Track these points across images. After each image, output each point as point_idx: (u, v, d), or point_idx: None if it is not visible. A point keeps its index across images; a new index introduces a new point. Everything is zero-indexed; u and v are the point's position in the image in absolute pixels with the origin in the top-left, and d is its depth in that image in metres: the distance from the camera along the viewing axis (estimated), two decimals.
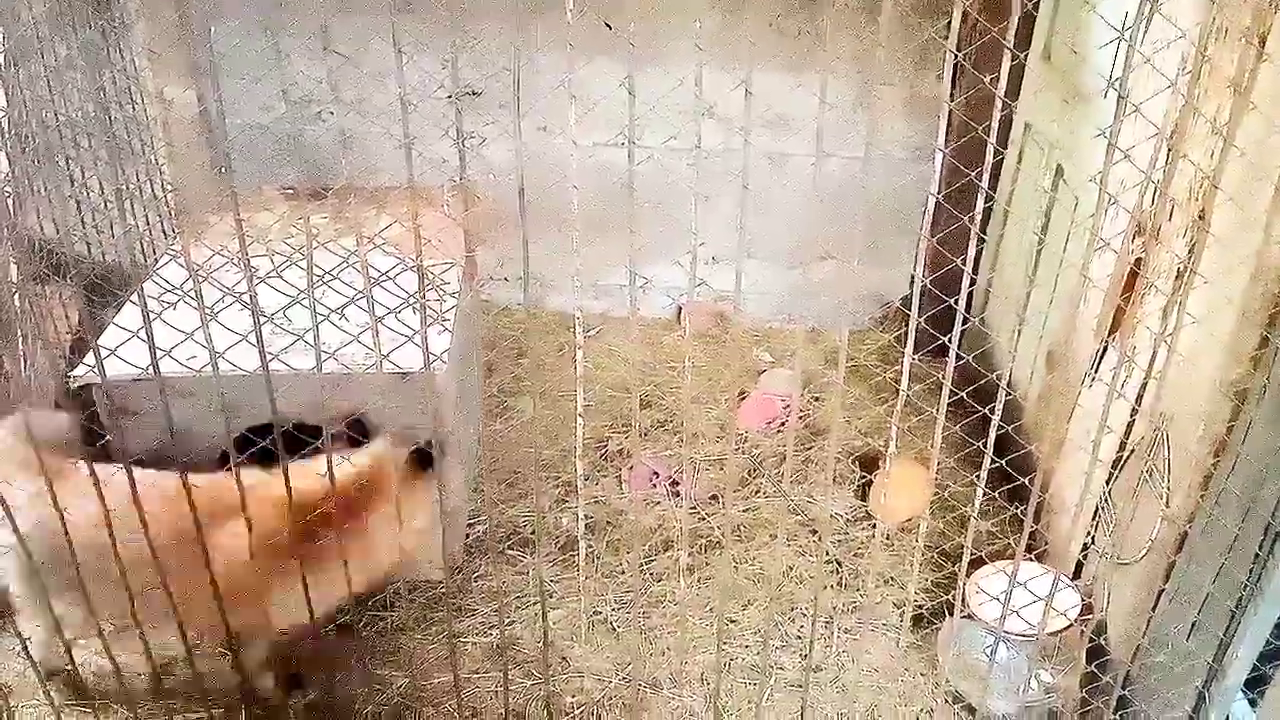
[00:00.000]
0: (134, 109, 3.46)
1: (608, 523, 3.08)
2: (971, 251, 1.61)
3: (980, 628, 2.51)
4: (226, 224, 1.68)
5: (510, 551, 2.97)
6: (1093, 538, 2.57)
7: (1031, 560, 2.59)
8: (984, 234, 1.63)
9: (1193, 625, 2.13)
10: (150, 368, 1.68)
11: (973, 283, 1.69)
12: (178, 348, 1.75)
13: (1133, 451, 2.40)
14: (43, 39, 2.89)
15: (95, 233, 3.17)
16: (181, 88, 3.54)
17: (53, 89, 2.96)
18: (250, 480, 1.87)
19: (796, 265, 4.05)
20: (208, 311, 1.64)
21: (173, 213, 3.53)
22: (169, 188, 3.55)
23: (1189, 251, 2.08)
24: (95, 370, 1.79)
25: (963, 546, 2.02)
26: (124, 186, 3.29)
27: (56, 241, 2.82)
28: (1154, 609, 2.21)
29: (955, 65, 1.45)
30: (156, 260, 2.98)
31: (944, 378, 1.79)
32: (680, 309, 4.18)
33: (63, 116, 3.01)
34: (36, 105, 2.85)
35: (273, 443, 1.86)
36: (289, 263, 1.92)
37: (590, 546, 2.96)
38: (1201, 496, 2.09)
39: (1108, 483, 2.48)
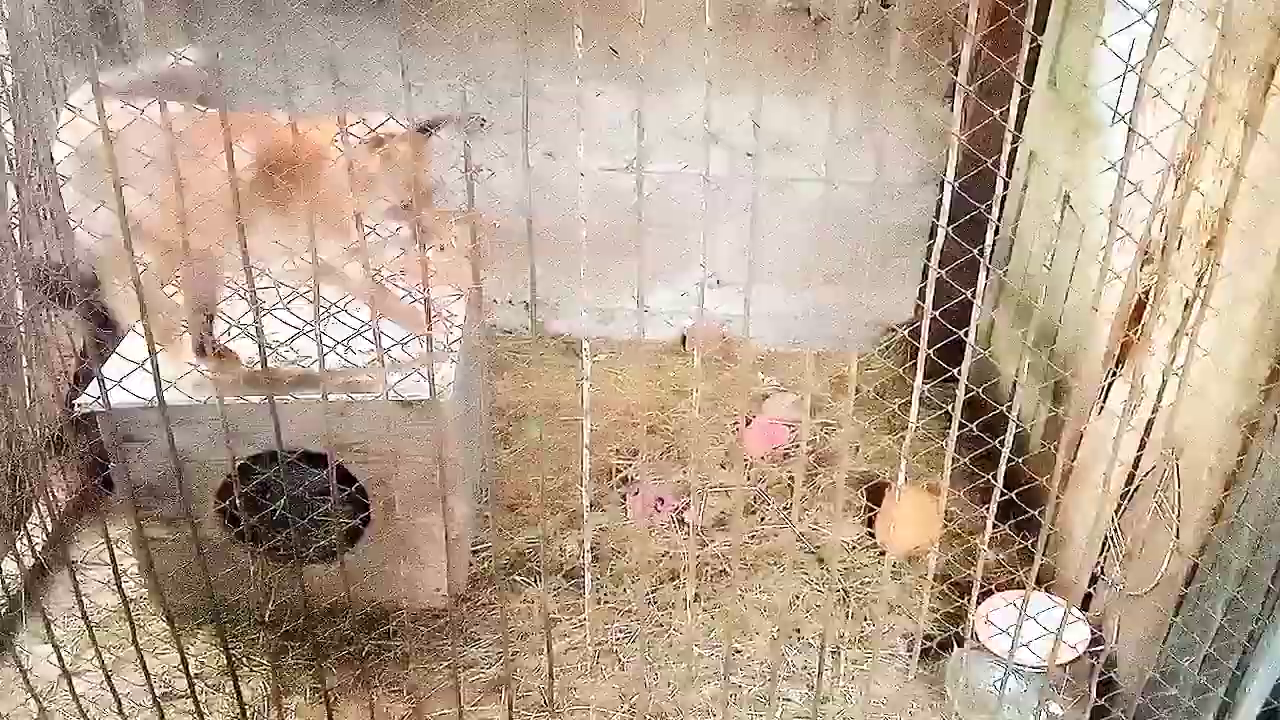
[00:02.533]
0: None
1: (614, 550, 3.06)
2: (981, 283, 1.60)
3: (989, 660, 2.49)
4: (232, 254, 1.68)
5: (515, 579, 2.95)
6: (1102, 569, 2.55)
7: (1041, 592, 2.56)
8: (989, 263, 1.62)
9: (1204, 658, 2.11)
10: (154, 396, 1.68)
11: (981, 313, 1.68)
12: (183, 377, 1.75)
13: (1140, 484, 2.39)
14: (50, 69, 2.90)
15: None
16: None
17: (60, 119, 2.96)
18: None
19: (800, 290, 4.04)
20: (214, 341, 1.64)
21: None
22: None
23: (1198, 282, 2.08)
24: (99, 399, 1.78)
25: (971, 577, 2.01)
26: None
27: (62, 270, 2.82)
28: (1165, 642, 2.19)
29: (962, 97, 1.44)
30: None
31: (953, 408, 1.78)
32: (684, 335, 4.17)
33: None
34: (43, 134, 2.86)
35: (276, 472, 1.85)
36: (295, 294, 1.92)
37: (596, 576, 2.94)
38: (1212, 528, 2.07)
39: (1117, 514, 2.46)
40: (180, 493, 1.89)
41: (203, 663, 2.63)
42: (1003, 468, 1.82)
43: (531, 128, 1.65)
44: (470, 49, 3.26)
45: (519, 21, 2.04)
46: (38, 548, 2.82)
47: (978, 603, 2.09)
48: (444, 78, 3.52)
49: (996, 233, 1.54)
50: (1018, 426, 1.77)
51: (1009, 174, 1.98)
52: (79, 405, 2.44)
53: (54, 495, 2.91)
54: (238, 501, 1.87)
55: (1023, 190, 3.41)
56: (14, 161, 2.65)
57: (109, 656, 2.05)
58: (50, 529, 2.85)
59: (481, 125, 3.72)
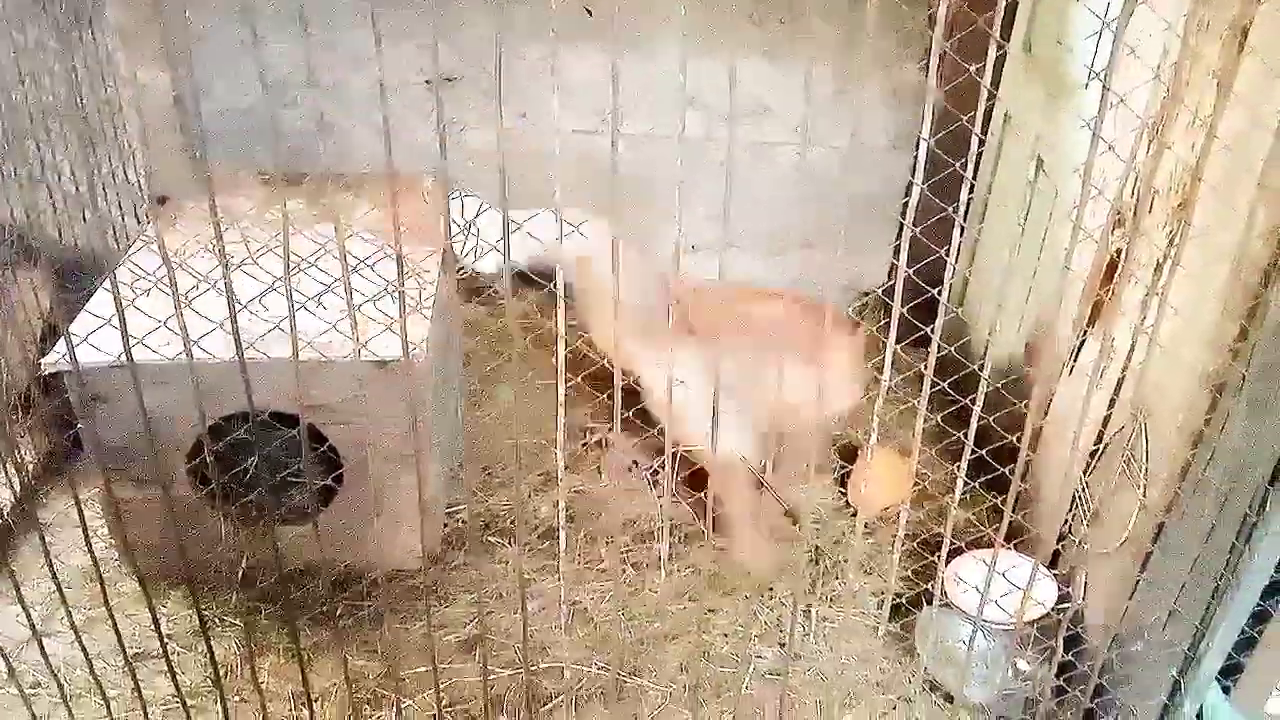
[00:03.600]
0: (106, 92, 3.41)
1: (590, 512, 3.07)
2: (955, 242, 1.61)
3: (958, 616, 2.52)
4: (201, 209, 1.65)
5: (489, 540, 2.95)
6: (1070, 527, 2.59)
7: (1010, 549, 2.59)
8: (964, 224, 1.63)
9: (1169, 614, 2.14)
10: (123, 355, 1.66)
11: (954, 273, 1.69)
12: (151, 335, 1.72)
13: (1109, 443, 2.42)
14: (12, 20, 2.84)
15: (67, 218, 3.13)
16: (155, 71, 3.49)
17: (22, 72, 2.91)
18: None
19: (776, 253, 4.04)
20: (182, 298, 1.61)
21: (146, 198, 3.49)
22: (142, 172, 3.50)
23: (1169, 243, 2.09)
24: (67, 357, 1.76)
25: (941, 536, 2.03)
26: (96, 171, 3.24)
27: (27, 227, 2.78)
28: (1131, 598, 2.22)
29: (940, 55, 1.44)
30: (129, 246, 2.94)
31: (925, 368, 1.78)
32: None
33: (33, 100, 2.96)
34: (5, 88, 2.80)
35: (247, 431, 1.84)
36: (265, 249, 1.90)
37: (570, 536, 2.95)
38: (1179, 487, 2.10)
39: (1085, 473, 2.49)
40: (151, 453, 1.87)
41: (174, 623, 2.62)
42: (973, 426, 1.83)
43: (504, 87, 1.63)
44: (442, 4, 3.22)
45: None
46: (5, 508, 2.80)
47: (947, 561, 2.12)
48: (413, 35, 3.49)
49: (972, 190, 1.54)
50: (989, 386, 1.78)
51: (984, 133, 1.98)
52: (46, 364, 2.41)
53: (21, 456, 2.88)
54: (209, 461, 1.86)
55: (996, 153, 3.42)
56: None
57: (79, 617, 2.04)
58: (18, 489, 2.83)
59: (449, 82, 3.67)
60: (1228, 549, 1.99)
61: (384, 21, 1.50)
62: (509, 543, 2.93)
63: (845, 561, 2.93)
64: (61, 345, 2.37)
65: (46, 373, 2.41)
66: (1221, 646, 2.09)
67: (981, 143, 1.54)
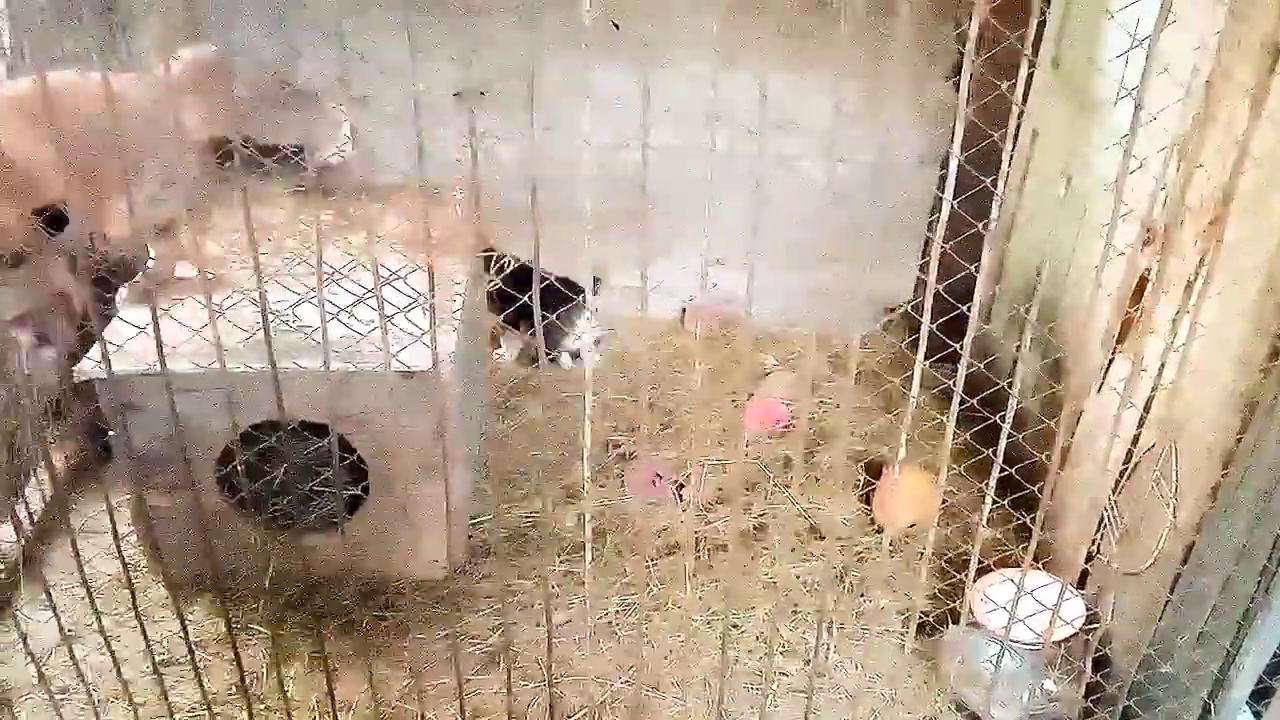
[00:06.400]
0: None
1: (614, 524, 3.07)
2: (985, 258, 1.60)
3: (985, 636, 2.50)
4: (233, 221, 1.67)
5: (513, 552, 2.96)
6: (1098, 547, 2.56)
7: (1038, 568, 2.58)
8: (992, 234, 1.62)
9: (1199, 636, 2.12)
10: (156, 363, 1.67)
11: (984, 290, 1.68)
12: (184, 344, 1.74)
13: (1139, 461, 2.40)
14: (51, 33, 2.88)
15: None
16: None
17: None
18: None
19: (801, 269, 4.03)
20: (215, 308, 1.63)
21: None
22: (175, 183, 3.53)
23: (1200, 261, 2.07)
24: (100, 365, 1.78)
25: (967, 554, 2.01)
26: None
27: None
28: (1160, 619, 2.20)
29: (969, 71, 1.45)
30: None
31: (954, 384, 1.78)
32: (684, 310, 4.17)
33: None
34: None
35: (278, 440, 1.85)
36: (297, 260, 1.91)
37: (595, 549, 2.95)
38: (1210, 507, 2.08)
39: (1114, 492, 2.47)
40: (181, 460, 1.89)
41: (202, 629, 2.64)
42: (1003, 444, 1.82)
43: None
44: (474, 18, 3.24)
45: None
46: (37, 514, 2.82)
47: (974, 579, 2.10)
48: (443, 47, 3.50)
49: (1000, 205, 1.54)
50: (1017, 403, 1.77)
51: (1013, 150, 1.97)
52: (79, 371, 2.44)
53: (53, 462, 2.91)
54: (239, 469, 1.87)
55: (1024, 169, 3.40)
56: None
57: (109, 623, 2.06)
58: (50, 495, 2.86)
59: (480, 96, 3.69)
60: (1259, 571, 1.97)
61: (415, 35, 1.52)
62: (531, 554, 2.93)
63: (871, 579, 2.92)
64: (95, 352, 2.39)
65: (79, 380, 2.44)
66: (1252, 670, 2.06)
67: (1011, 156, 1.54)
